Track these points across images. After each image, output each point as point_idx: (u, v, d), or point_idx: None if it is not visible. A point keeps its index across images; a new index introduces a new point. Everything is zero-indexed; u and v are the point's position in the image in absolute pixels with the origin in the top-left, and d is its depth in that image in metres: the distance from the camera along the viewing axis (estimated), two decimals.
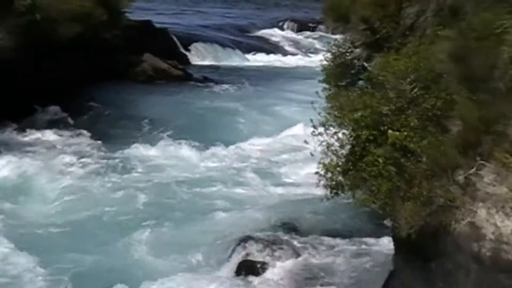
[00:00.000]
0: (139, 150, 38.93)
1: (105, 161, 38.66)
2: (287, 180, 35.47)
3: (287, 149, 38.12)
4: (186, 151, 39.31)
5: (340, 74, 30.06)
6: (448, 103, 25.24)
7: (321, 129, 27.84)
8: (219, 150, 39.69)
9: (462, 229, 24.65)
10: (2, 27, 37.93)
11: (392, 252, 27.47)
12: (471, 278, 24.78)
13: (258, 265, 29.73)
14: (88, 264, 31.34)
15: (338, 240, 30.49)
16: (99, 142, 40.65)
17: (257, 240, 30.83)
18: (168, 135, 40.29)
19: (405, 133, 25.41)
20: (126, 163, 38.00)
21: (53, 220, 34.87)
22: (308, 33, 62.23)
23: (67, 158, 38.37)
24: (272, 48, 64.21)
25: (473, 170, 24.49)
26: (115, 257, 32.09)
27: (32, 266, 30.81)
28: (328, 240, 30.67)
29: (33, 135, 39.58)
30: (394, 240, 27.01)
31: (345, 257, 30.08)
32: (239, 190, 35.64)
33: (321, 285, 29.39)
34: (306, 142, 29.86)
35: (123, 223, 34.75)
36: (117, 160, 38.37)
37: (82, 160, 39.61)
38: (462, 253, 24.74)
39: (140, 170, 37.70)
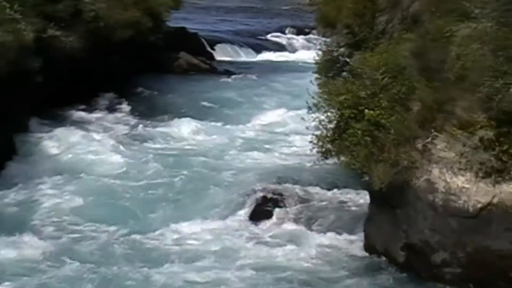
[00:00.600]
0: (174, 125, 39.01)
1: (147, 132, 38.91)
2: (287, 148, 35.64)
3: (286, 124, 38.21)
4: (209, 126, 39.41)
5: (328, 67, 30.70)
6: (410, 89, 26.16)
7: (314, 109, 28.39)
8: (236, 125, 39.69)
9: (421, 184, 25.47)
10: (75, 32, 38.24)
11: (368, 201, 28.02)
12: (428, 221, 25.48)
13: (266, 211, 30.00)
14: (135, 207, 31.79)
15: (327, 192, 30.65)
16: (144, 118, 40.78)
17: (265, 192, 31.07)
18: (196, 114, 40.36)
19: (378, 111, 26.31)
20: (164, 134, 38.30)
21: (111, 172, 35.08)
22: (304, 36, 62.32)
23: (120, 130, 38.53)
24: (276, 47, 64.41)
25: (429, 139, 25.30)
26: (152, 204, 32.23)
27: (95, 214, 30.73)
28: (319, 192, 30.89)
29: (96, 114, 39.86)
30: (369, 193, 27.80)
31: (333, 204, 30.25)
32: (250, 156, 35.76)
33: (315, 225, 29.58)
34: (303, 119, 30.31)
35: (159, 180, 34.49)
36: (157, 132, 38.65)
37: (131, 132, 39.79)
38: (420, 202, 25.54)
39: (173, 140, 37.92)
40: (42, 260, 26.99)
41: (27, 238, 28.52)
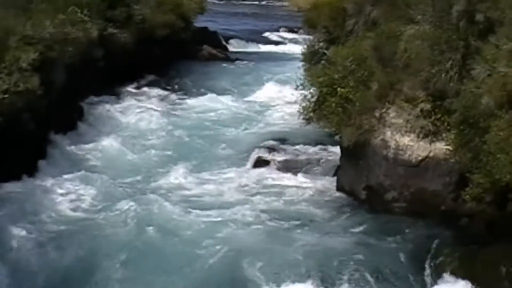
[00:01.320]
0: (197, 96, 39.22)
1: (178, 101, 39.21)
2: (279, 115, 35.69)
3: (280, 97, 38.31)
4: (223, 98, 39.42)
5: (311, 57, 30.79)
6: (370, 73, 26.31)
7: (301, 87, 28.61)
8: (243, 98, 39.74)
9: (377, 143, 25.75)
10: (127, 31, 38.40)
11: (339, 155, 28.12)
12: (382, 169, 25.79)
13: (266, 160, 30.23)
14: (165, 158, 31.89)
15: (310, 148, 30.58)
16: (176, 92, 40.89)
17: (264, 147, 31.22)
18: (214, 89, 40.36)
19: (347, 89, 26.64)
20: (190, 103, 38.49)
21: (151, 128, 35.64)
22: (293, 34, 62.46)
23: (159, 100, 39.11)
24: (273, 42, 64.56)
25: (384, 110, 25.68)
26: (181, 155, 32.32)
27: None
28: (304, 148, 30.76)
29: (142, 89, 39.99)
30: (340, 148, 27.90)
31: (314, 156, 30.06)
32: (253, 120, 35.82)
33: (300, 171, 29.76)
34: (292, 94, 30.77)
35: (185, 138, 34.55)
36: (185, 101, 38.95)
37: (167, 101, 39.99)
38: (377, 155, 25.83)
39: (197, 107, 38.03)
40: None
41: (90, 174, 29.11)
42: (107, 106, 36.91)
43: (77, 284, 21.54)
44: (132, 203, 26.10)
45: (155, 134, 34.55)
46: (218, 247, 23.30)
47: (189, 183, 29.35)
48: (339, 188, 27.77)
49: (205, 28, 57.62)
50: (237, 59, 53.64)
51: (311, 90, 28.19)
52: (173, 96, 40.65)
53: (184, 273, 22.13)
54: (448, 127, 24.20)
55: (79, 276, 21.84)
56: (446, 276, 22.03)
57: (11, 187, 26.26)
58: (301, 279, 21.53)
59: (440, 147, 24.46)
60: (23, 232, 23.59)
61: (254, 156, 30.91)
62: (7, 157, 25.39)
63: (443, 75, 24.18)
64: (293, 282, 21.47)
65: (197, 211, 26.17)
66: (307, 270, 21.96)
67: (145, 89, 41.57)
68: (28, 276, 21.66)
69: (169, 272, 22.11)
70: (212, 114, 37.47)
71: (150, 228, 24.54)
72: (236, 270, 22.21)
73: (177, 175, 29.79)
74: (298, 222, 25.59)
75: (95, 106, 36.11)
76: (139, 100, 39.16)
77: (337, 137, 27.56)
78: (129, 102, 38.49)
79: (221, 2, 77.81)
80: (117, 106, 37.39)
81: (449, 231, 23.48)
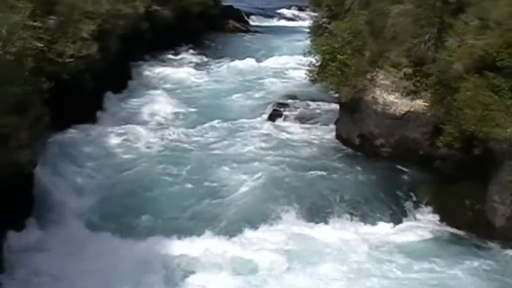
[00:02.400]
0: (225, 60, 38.98)
1: (209, 64, 39.17)
2: (290, 77, 35.53)
3: (291, 62, 38.12)
4: (246, 61, 39.22)
5: (316, 30, 30.53)
6: (364, 43, 26.04)
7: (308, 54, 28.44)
8: (262, 62, 39.42)
9: (369, 99, 25.75)
10: (168, 7, 38.44)
11: (338, 109, 28.13)
12: (372, 120, 25.82)
13: (279, 113, 30.25)
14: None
15: (314, 103, 30.62)
16: (207, 57, 40.69)
17: (277, 103, 31.25)
18: (238, 54, 40.01)
19: (345, 56, 26.35)
20: (219, 65, 38.47)
21: (187, 85, 35.66)
22: (302, 11, 61.86)
23: (193, 63, 39.15)
24: (285, 17, 64.05)
25: (374, 73, 25.53)
26: (211, 105, 32.65)
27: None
28: (310, 103, 30.84)
29: (179, 55, 39.92)
30: (339, 104, 27.81)
31: (317, 110, 30.17)
32: (267, 81, 35.65)
33: (307, 122, 29.77)
34: (300, 60, 30.73)
35: (215, 92, 34.83)
36: (215, 64, 38.85)
37: (200, 64, 39.77)
38: (368, 109, 25.83)
39: (225, 68, 38.03)
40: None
41: (139, 122, 29.73)
42: (152, 68, 37.00)
43: (133, 211, 22.01)
44: (173, 146, 27.12)
45: (193, 89, 34.68)
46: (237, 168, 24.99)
47: (220, 127, 29.65)
48: (337, 136, 27.79)
49: (231, 6, 57.37)
50: (256, 31, 53.55)
51: (316, 57, 27.98)
52: (205, 60, 40.58)
53: (215, 195, 23.34)
54: (426, 87, 24.18)
55: (133, 205, 22.39)
56: (422, 206, 22.77)
57: (75, 132, 26.65)
58: (299, 202, 22.53)
59: (419, 103, 24.44)
60: (89, 165, 24.57)
61: (269, 109, 30.93)
62: (72, 109, 25.62)
63: (422, 45, 24.24)
64: (292, 205, 22.36)
65: (226, 147, 27.40)
66: (303, 197, 22.88)
67: (183, 55, 41.56)
68: (92, 202, 22.40)
69: (203, 195, 23.25)
70: (237, 75, 37.35)
71: (189, 164, 25.38)
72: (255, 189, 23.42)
73: (212, 122, 29.95)
74: (302, 161, 25.91)
75: (142, 68, 36.19)
76: (178, 63, 39.20)
77: (336, 95, 27.44)
78: (169, 64, 38.48)
79: None
80: (160, 68, 37.41)
81: (425, 171, 23.56)
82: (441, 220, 22.08)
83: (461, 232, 21.39)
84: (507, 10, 21.14)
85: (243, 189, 23.54)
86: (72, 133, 26.44)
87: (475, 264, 19.62)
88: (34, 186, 20.77)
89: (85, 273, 18.11)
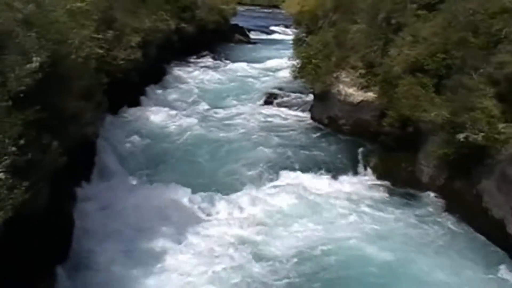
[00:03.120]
0: (233, 63, 38.75)
1: (221, 66, 39.03)
2: (278, 75, 35.30)
3: (280, 64, 37.61)
4: (248, 64, 39.06)
5: (297, 41, 30.39)
6: (331, 51, 26.32)
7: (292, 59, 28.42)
8: (258, 64, 39.21)
9: (335, 91, 25.81)
10: (191, 25, 38.44)
11: (313, 97, 28.19)
12: (337, 106, 25.86)
13: (271, 100, 30.28)
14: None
15: (295, 94, 30.62)
16: (220, 60, 40.62)
17: (269, 93, 31.19)
18: (242, 58, 39.93)
19: (317, 60, 26.46)
20: (229, 66, 38.33)
21: (205, 80, 35.45)
22: (287, 28, 61.42)
23: (210, 65, 38.68)
24: (276, 32, 63.60)
25: (339, 73, 25.53)
26: (220, 94, 32.55)
27: None
28: (292, 94, 30.84)
29: (199, 59, 39.79)
30: (313, 94, 27.87)
31: (298, 99, 30.11)
32: (261, 78, 35.61)
33: (290, 107, 29.70)
34: (286, 63, 30.57)
35: (224, 85, 34.71)
36: (226, 65, 38.62)
37: (215, 65, 39.52)
38: (334, 98, 25.86)
39: (232, 69, 37.82)
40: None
41: (171, 105, 29.78)
42: (180, 68, 37.02)
43: (166, 169, 22.70)
44: (195, 122, 27.42)
45: (210, 82, 34.49)
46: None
47: (227, 110, 29.73)
48: (312, 117, 27.82)
49: (236, 24, 57.22)
50: (255, 43, 53.41)
51: (297, 61, 28.07)
52: (218, 63, 40.32)
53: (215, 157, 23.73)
54: (375, 84, 24.22)
55: (166, 165, 23.08)
56: (369, 169, 22.85)
57: (125, 114, 27.06)
58: (282, 161, 23.26)
59: (370, 95, 24.49)
60: (136, 137, 24.98)
61: (263, 97, 30.98)
62: (123, 96, 25.90)
63: (372, 53, 24.32)
64: (278, 164, 23.00)
65: (231, 124, 27.56)
66: (286, 157, 23.59)
67: (202, 59, 41.41)
68: (137, 163, 23.03)
69: (216, 158, 23.85)
70: (241, 73, 37.15)
71: (206, 134, 26.20)
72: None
73: (222, 105, 30.18)
74: (284, 133, 26.18)
75: (173, 68, 36.18)
76: (198, 65, 39.07)
77: (311, 88, 27.53)
78: (192, 66, 38.40)
79: (245, 9, 76.68)
80: (186, 68, 37.43)
81: (374, 143, 23.69)
82: (384, 178, 22.21)
83: (398, 186, 21.65)
84: (431, 30, 21.34)
85: (245, 153, 24.11)
86: (123, 114, 26.62)
87: (407, 206, 20.30)
88: (96, 152, 21.20)
89: (131, 208, 19.06)
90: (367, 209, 19.97)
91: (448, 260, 16.98)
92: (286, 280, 15.88)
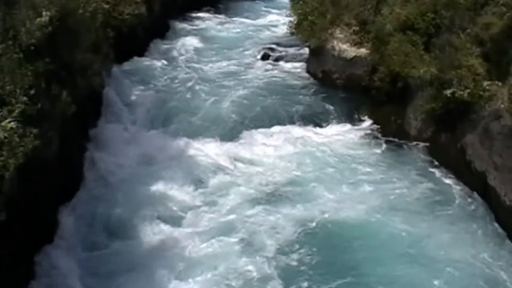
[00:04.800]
0: (238, 17, 36.99)
1: (227, 20, 36.58)
2: (277, 30, 34.49)
3: (278, 20, 36.61)
4: (249, 19, 37.84)
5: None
6: (327, 9, 25.93)
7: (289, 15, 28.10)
8: (259, 19, 37.64)
9: (329, 47, 25.46)
10: None
11: (308, 52, 27.70)
12: (331, 61, 25.51)
13: (268, 55, 29.75)
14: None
15: (293, 48, 29.39)
16: (225, 15, 37.88)
17: (266, 48, 30.56)
18: (244, 15, 38.24)
19: (314, 17, 25.97)
20: (235, 20, 36.27)
21: (212, 32, 34.46)
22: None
23: (216, 19, 37.31)
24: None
25: (333, 29, 25.30)
26: (221, 49, 31.29)
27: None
28: (290, 49, 29.47)
29: (201, 15, 38.45)
30: (309, 49, 27.21)
31: (295, 52, 28.75)
32: (260, 33, 34.20)
33: (287, 60, 28.83)
34: (284, 18, 30.07)
35: (229, 38, 33.61)
36: (232, 19, 36.56)
37: (221, 19, 37.36)
38: (329, 54, 25.59)
39: (238, 22, 35.91)
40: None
41: (174, 58, 29.31)
42: (183, 23, 36.29)
43: (168, 116, 23.20)
44: (196, 72, 27.28)
45: (211, 37, 33.33)
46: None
47: (228, 61, 29.16)
48: (307, 71, 27.33)
49: None
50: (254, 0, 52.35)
51: (294, 17, 27.66)
52: (222, 17, 38.97)
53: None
54: (367, 40, 24.09)
55: (169, 112, 23.51)
56: (363, 118, 22.94)
57: (130, 65, 26.74)
58: (279, 111, 23.46)
59: (363, 51, 24.30)
60: (140, 87, 25.07)
61: (261, 52, 30.45)
62: (128, 49, 25.84)
63: (366, 12, 24.25)
64: (275, 113, 23.33)
65: (231, 75, 27.25)
66: (282, 108, 23.74)
67: (204, 14, 40.24)
68: (142, 110, 23.31)
69: (217, 106, 24.00)
70: (243, 27, 35.96)
71: (207, 84, 26.02)
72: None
73: (222, 59, 29.51)
74: (280, 86, 25.93)
75: (176, 23, 35.51)
76: (200, 20, 38.08)
77: (307, 44, 27.25)
78: (194, 21, 37.46)
79: None
80: (189, 23, 36.61)
81: (365, 97, 23.54)
82: (375, 129, 22.31)
83: (387, 137, 21.69)
84: None
85: (241, 104, 24.15)
86: (128, 65, 26.43)
87: (394, 151, 20.79)
88: (102, 101, 21.27)
89: (136, 155, 19.69)
90: (357, 159, 20.24)
91: (430, 214, 17.32)
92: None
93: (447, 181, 18.70)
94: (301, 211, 17.16)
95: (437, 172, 19.18)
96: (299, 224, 16.55)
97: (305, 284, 14.46)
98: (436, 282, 14.40)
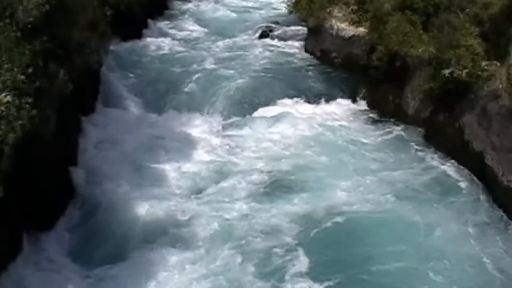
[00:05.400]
0: None
1: (219, 1, 35.69)
2: (275, 8, 33.93)
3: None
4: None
5: None
6: None
7: None
8: None
9: (327, 26, 25.33)
10: None
11: (306, 31, 27.47)
12: (329, 40, 25.40)
13: (267, 33, 29.59)
14: None
15: (291, 27, 28.96)
16: None
17: (265, 26, 30.29)
18: None
19: None
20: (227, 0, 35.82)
21: (205, 13, 33.51)
22: None
23: (210, 2, 35.21)
24: None
25: (332, 8, 25.16)
26: (217, 25, 31.01)
27: None
28: (288, 27, 29.15)
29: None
30: (307, 28, 26.94)
31: (293, 32, 28.49)
32: (258, 11, 33.50)
33: (286, 40, 28.50)
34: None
35: (226, 16, 33.22)
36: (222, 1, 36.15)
37: (213, 2, 35.45)
38: (326, 32, 25.40)
39: (232, 3, 35.19)
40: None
41: (171, 36, 28.86)
42: (181, 2, 35.76)
43: (166, 94, 23.12)
44: (193, 51, 27.09)
45: (210, 15, 32.55)
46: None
47: (227, 39, 28.92)
48: (305, 50, 27.11)
49: None
50: None
51: None
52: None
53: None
54: (366, 19, 23.97)
55: (166, 90, 23.42)
56: (358, 99, 22.91)
57: (128, 44, 26.69)
58: (280, 88, 23.63)
59: (361, 30, 24.14)
60: (138, 65, 25.07)
61: (259, 31, 30.27)
62: (126, 28, 25.77)
63: None
64: (275, 90, 23.46)
65: (230, 54, 26.92)
66: (282, 85, 23.90)
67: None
68: (138, 89, 23.28)
69: (214, 84, 23.86)
70: (240, 6, 34.89)
71: (205, 63, 25.61)
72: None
73: (220, 38, 29.17)
74: (278, 64, 25.80)
75: (174, 3, 34.68)
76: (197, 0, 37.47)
77: (305, 22, 27.10)
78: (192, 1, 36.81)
79: None
80: (189, 1, 35.80)
81: (363, 76, 23.44)
82: (372, 108, 22.32)
83: (385, 117, 21.73)
84: None
85: (241, 81, 24.05)
86: (126, 44, 26.36)
87: (393, 133, 20.71)
88: (100, 80, 21.24)
89: (133, 134, 19.66)
90: (353, 140, 20.20)
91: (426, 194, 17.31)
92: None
93: (444, 162, 18.69)
94: (300, 196, 16.96)
95: (434, 153, 19.16)
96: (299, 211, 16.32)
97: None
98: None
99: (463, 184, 17.51)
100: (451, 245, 14.87)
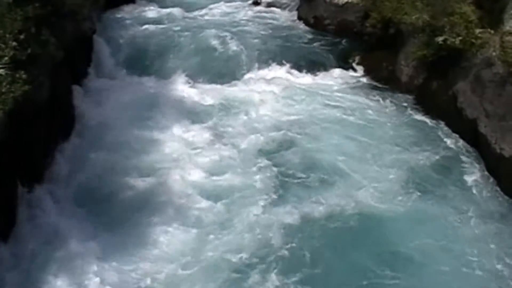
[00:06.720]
0: None
1: None
2: None
3: None
4: None
5: None
6: None
7: None
8: None
9: None
10: None
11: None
12: (323, 7, 25.28)
13: (259, 1, 29.24)
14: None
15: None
16: None
17: None
18: None
19: None
20: None
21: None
22: None
23: None
24: None
25: None
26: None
27: None
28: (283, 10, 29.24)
29: None
30: (298, 9, 26.87)
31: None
32: None
33: (279, 7, 28.07)
34: None
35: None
36: None
37: None
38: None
39: None
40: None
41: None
42: None
43: (153, 61, 22.93)
44: (188, 19, 26.54)
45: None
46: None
47: (220, 7, 28.35)
48: (299, 17, 26.89)
49: None
50: None
51: None
52: None
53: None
54: None
55: (154, 58, 23.16)
56: (354, 64, 22.75)
57: (120, 11, 26.59)
58: (272, 57, 23.18)
59: None
60: (130, 32, 24.64)
61: None
62: None
63: None
64: (268, 58, 23.11)
65: (224, 20, 26.64)
66: (275, 53, 23.46)
67: None
68: (128, 56, 23.00)
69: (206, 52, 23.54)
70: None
71: (198, 29, 25.10)
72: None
73: (214, 5, 28.58)
74: (271, 31, 25.47)
75: None
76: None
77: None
78: None
79: None
80: None
81: (357, 42, 23.44)
82: (366, 75, 22.23)
83: (379, 83, 21.66)
84: None
85: (234, 47, 23.70)
86: (118, 11, 26.16)
87: (386, 99, 20.66)
88: (92, 47, 21.09)
89: (126, 100, 19.75)
90: (348, 103, 20.24)
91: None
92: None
93: (438, 128, 18.76)
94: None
95: (427, 119, 19.22)
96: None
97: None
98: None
99: (452, 146, 17.78)
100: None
